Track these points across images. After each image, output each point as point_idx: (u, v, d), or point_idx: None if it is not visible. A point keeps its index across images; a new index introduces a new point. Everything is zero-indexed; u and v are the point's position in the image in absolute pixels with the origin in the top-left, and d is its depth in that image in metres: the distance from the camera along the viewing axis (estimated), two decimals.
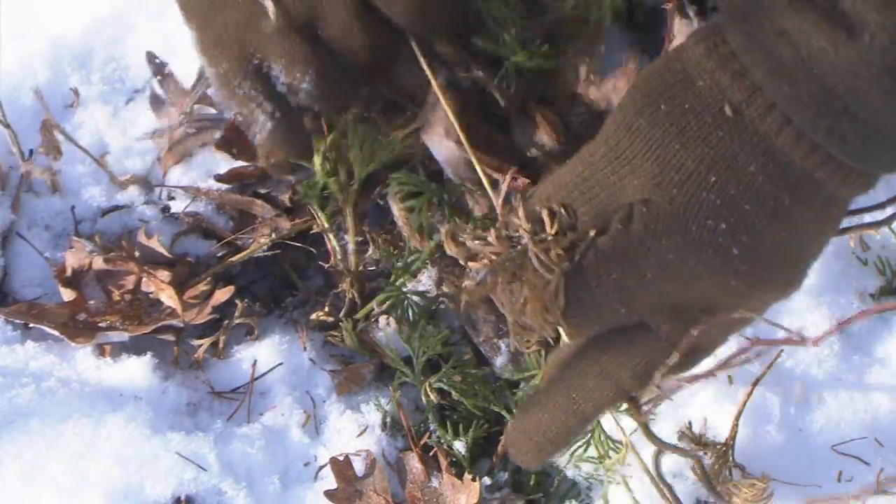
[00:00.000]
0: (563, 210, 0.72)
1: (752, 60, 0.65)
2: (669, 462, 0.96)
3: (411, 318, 1.03)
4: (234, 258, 1.10)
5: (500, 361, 1.02)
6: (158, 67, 1.17)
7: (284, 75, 0.84)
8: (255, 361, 1.07)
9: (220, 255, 1.12)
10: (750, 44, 0.65)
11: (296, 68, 0.83)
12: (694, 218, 0.68)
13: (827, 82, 0.62)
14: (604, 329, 0.76)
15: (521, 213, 0.73)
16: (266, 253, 1.10)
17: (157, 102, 1.18)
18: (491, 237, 0.74)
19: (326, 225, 1.05)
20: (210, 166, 1.16)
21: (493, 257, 0.74)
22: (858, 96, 0.61)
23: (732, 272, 0.70)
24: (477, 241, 0.75)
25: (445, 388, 1.00)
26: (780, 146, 0.66)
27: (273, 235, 1.10)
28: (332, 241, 1.06)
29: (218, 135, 1.14)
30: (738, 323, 0.76)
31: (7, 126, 1.11)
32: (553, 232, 0.72)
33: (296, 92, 0.85)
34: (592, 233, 0.71)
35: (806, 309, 1.03)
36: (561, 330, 0.75)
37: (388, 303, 1.03)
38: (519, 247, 0.73)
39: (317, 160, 0.96)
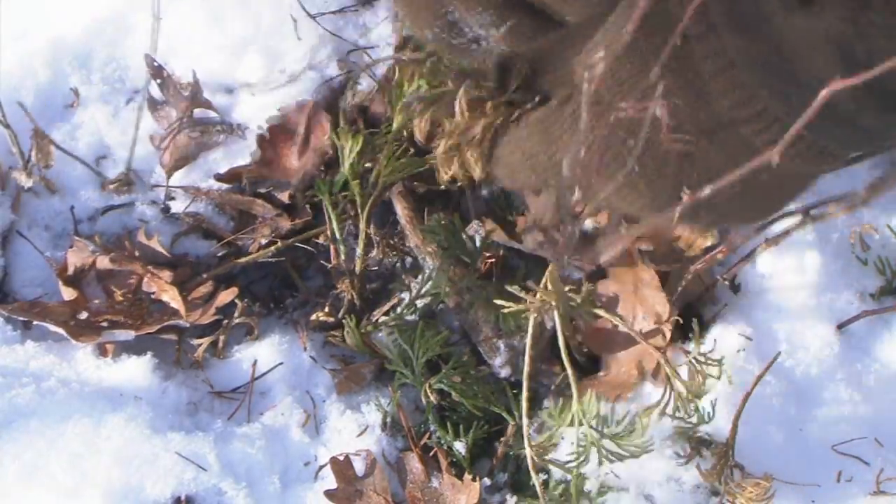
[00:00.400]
0: (529, 70, 0.75)
1: (716, 8, 0.65)
2: (667, 466, 0.96)
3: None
4: (237, 260, 1.10)
5: (498, 361, 1.03)
6: (157, 71, 1.17)
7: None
8: (256, 361, 1.07)
9: (220, 254, 1.12)
10: None
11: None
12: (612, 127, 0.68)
13: (776, 42, 0.62)
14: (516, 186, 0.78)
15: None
16: (270, 259, 1.11)
17: (155, 106, 1.18)
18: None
19: (336, 225, 1.05)
20: (210, 166, 1.17)
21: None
22: (802, 61, 0.62)
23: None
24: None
25: (445, 388, 1.00)
26: (712, 89, 0.66)
27: (275, 242, 1.10)
28: (338, 243, 1.06)
29: (221, 138, 1.14)
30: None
31: (7, 126, 1.11)
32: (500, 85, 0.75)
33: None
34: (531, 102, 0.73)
35: (805, 309, 1.03)
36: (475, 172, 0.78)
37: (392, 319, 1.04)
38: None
39: (347, 161, 1.01)
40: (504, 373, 1.02)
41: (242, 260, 1.10)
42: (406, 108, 0.83)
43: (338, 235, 1.06)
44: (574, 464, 0.91)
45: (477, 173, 0.77)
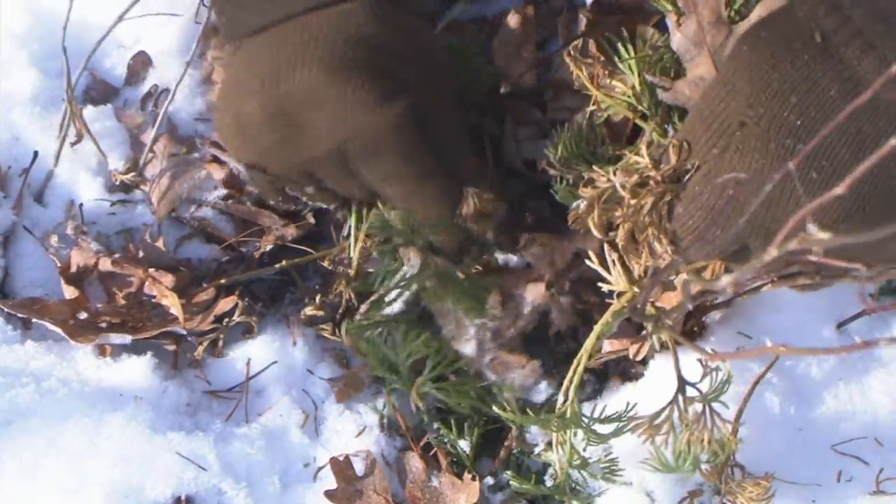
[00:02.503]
0: (684, 144, 0.77)
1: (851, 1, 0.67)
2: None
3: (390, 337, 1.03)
4: (240, 277, 1.10)
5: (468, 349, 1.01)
6: (133, 117, 1.17)
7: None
8: (249, 360, 1.07)
9: (224, 259, 1.12)
10: None
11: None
12: (775, 136, 0.69)
13: None
14: (711, 255, 0.79)
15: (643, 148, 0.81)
16: (274, 277, 1.11)
17: (138, 152, 1.17)
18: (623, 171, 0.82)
19: (355, 229, 1.05)
20: (213, 179, 1.16)
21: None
22: None
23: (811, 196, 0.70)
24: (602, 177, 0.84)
25: (433, 391, 0.99)
26: (861, 73, 0.67)
27: (278, 251, 1.10)
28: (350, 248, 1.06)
29: (205, 173, 1.13)
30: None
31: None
32: (674, 163, 0.78)
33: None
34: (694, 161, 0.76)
35: (806, 309, 1.03)
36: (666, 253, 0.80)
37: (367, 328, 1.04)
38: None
39: None
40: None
41: (245, 276, 1.10)
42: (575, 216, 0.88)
43: (352, 242, 1.06)
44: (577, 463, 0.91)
45: (661, 249, 0.81)
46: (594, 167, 0.88)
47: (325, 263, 1.09)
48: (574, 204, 0.88)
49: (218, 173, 1.13)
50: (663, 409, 0.86)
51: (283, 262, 1.09)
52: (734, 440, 0.90)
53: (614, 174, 0.83)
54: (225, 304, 1.07)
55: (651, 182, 0.80)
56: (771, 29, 0.71)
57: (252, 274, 1.10)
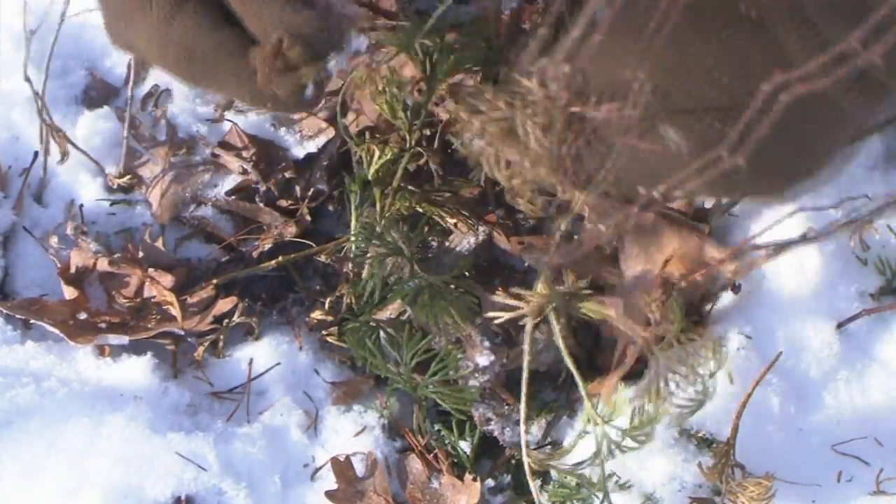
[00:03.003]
0: (579, 75, 0.71)
1: None
2: (668, 465, 0.96)
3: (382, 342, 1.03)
4: (238, 274, 1.10)
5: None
6: (133, 119, 1.16)
7: None
8: (251, 361, 1.07)
9: (223, 259, 1.12)
10: None
11: None
12: (698, 115, 0.66)
13: None
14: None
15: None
16: (272, 272, 1.11)
17: (136, 156, 1.16)
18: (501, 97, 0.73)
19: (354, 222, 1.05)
20: (215, 180, 1.16)
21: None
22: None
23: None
24: (480, 102, 0.73)
25: (433, 395, 0.99)
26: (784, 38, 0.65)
27: (277, 248, 1.10)
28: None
29: (207, 177, 1.13)
30: None
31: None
32: (565, 93, 0.70)
33: None
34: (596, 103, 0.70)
35: (805, 309, 1.03)
36: (560, 189, 0.74)
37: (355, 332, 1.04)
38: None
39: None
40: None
41: (244, 272, 1.10)
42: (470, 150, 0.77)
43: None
44: (587, 464, 0.91)
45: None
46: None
47: (324, 258, 1.09)
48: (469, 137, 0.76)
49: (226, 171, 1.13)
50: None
51: (280, 259, 1.09)
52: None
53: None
54: (224, 305, 1.07)
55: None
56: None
57: (250, 271, 1.10)
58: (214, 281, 1.08)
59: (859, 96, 0.66)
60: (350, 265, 1.06)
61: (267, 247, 1.11)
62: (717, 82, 0.66)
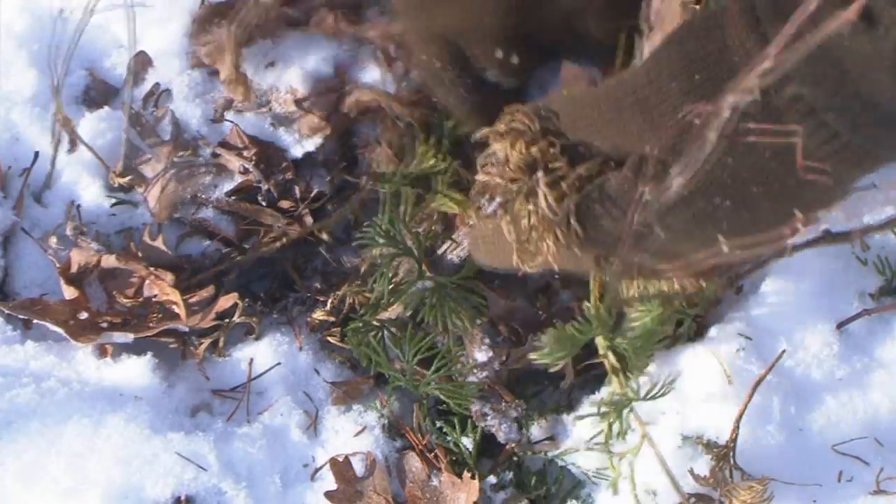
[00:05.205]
0: (582, 146, 0.76)
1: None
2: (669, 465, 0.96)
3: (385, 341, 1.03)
4: (240, 258, 1.10)
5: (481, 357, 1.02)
6: (135, 118, 1.16)
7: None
8: (252, 360, 1.07)
9: (224, 251, 1.12)
10: (777, 19, 0.64)
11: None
12: (703, 194, 0.69)
13: (842, 65, 0.62)
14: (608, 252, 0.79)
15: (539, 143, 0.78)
16: (275, 254, 1.11)
17: (137, 154, 1.16)
18: (512, 163, 0.78)
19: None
20: (216, 181, 1.16)
21: (507, 187, 0.79)
22: (870, 83, 0.62)
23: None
24: (495, 171, 0.80)
25: (436, 392, 0.99)
26: (789, 121, 0.66)
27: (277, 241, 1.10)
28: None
29: (209, 179, 1.13)
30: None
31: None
32: (566, 163, 0.76)
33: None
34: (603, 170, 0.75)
35: (805, 309, 1.03)
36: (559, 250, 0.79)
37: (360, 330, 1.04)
38: (531, 177, 0.78)
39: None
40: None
41: (244, 257, 1.10)
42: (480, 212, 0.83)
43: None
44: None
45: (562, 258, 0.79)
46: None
47: (325, 236, 1.10)
48: (488, 202, 0.82)
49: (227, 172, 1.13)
50: None
51: (278, 245, 1.09)
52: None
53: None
54: (225, 302, 1.07)
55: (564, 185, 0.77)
56: (705, 74, 0.70)
57: (249, 257, 1.10)
58: (221, 268, 1.09)
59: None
60: (361, 261, 1.06)
61: (274, 246, 1.11)
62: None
